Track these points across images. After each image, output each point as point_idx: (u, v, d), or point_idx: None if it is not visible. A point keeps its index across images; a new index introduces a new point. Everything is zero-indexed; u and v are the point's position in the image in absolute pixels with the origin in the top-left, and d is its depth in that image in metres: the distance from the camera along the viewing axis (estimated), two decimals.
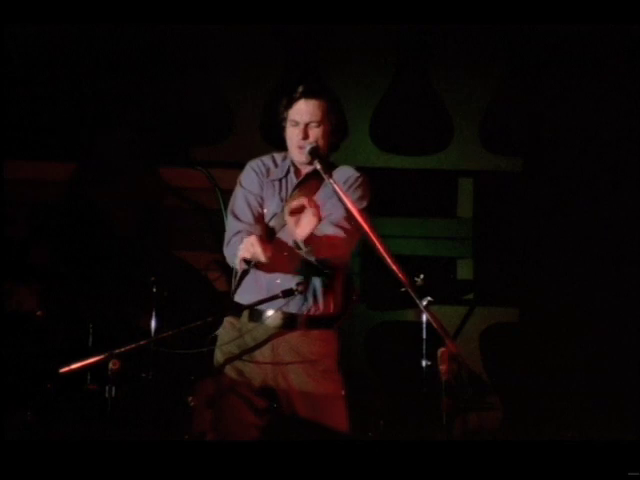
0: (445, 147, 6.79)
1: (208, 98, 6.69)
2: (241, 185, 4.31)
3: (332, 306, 4.26)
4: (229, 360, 4.24)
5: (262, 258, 3.96)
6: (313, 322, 4.23)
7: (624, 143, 6.52)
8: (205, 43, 6.58)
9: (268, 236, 4.18)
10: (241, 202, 4.27)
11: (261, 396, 4.20)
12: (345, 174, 4.31)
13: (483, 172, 6.80)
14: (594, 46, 6.40)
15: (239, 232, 4.18)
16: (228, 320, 4.28)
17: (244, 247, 4.00)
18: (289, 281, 4.17)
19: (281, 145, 4.35)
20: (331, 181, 4.06)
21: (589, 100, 6.51)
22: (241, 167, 4.39)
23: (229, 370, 4.24)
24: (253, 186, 4.27)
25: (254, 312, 4.21)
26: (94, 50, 6.47)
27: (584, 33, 6.27)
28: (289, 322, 4.20)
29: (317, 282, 4.22)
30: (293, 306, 4.19)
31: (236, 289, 4.28)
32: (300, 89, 4.22)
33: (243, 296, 4.25)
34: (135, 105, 6.54)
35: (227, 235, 4.26)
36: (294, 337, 4.21)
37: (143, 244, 6.43)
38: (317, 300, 4.22)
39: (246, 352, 4.22)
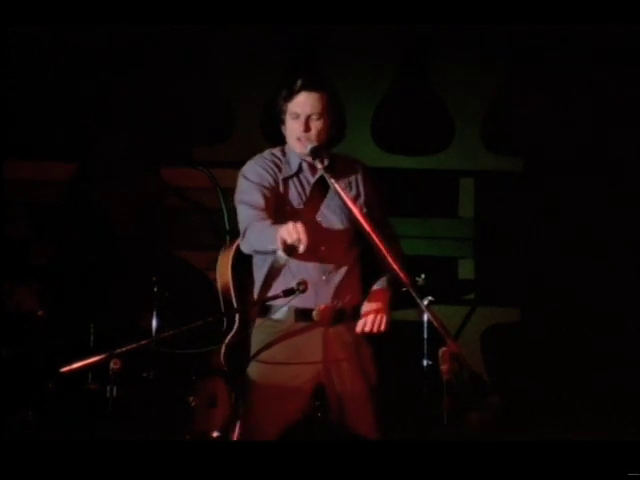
0: (446, 147, 6.80)
1: (209, 98, 6.69)
2: (249, 180, 4.20)
3: (362, 293, 4.27)
4: (274, 364, 4.18)
5: (303, 246, 3.82)
6: (355, 313, 4.22)
7: (625, 143, 6.53)
8: (205, 43, 6.59)
9: None
10: (254, 192, 4.14)
11: (306, 397, 4.18)
12: (351, 168, 4.33)
13: (484, 172, 6.81)
14: (594, 46, 6.40)
15: (259, 218, 4.06)
16: (265, 324, 4.21)
17: (287, 230, 3.83)
18: (334, 276, 4.16)
19: (282, 144, 4.34)
20: (332, 181, 4.07)
21: (590, 100, 6.51)
22: (242, 166, 4.36)
23: (272, 372, 4.18)
24: (264, 181, 4.18)
25: (300, 312, 4.15)
26: (95, 50, 6.47)
27: (584, 33, 6.27)
28: (340, 316, 4.18)
29: (353, 272, 4.22)
30: (339, 299, 4.17)
31: (264, 286, 4.22)
32: (300, 81, 4.18)
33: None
34: (136, 105, 6.55)
35: (243, 224, 4.14)
36: (342, 331, 4.19)
37: (144, 244, 6.43)
38: (355, 290, 4.23)
39: (296, 353, 4.16)
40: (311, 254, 4.09)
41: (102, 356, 3.85)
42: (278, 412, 4.13)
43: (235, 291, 4.30)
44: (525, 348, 6.50)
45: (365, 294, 4.28)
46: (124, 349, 3.89)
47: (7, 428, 4.91)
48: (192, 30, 6.23)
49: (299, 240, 3.81)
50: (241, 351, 4.25)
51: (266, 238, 3.98)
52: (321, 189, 4.21)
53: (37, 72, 6.49)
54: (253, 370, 4.21)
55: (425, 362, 5.31)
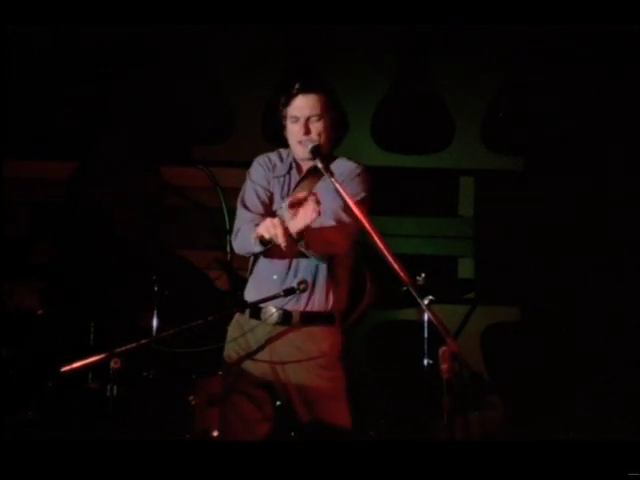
0: (446, 146, 6.80)
1: (209, 97, 6.69)
2: (250, 179, 4.30)
3: (331, 303, 4.24)
4: (235, 357, 4.25)
5: (281, 241, 3.88)
6: (309, 319, 4.21)
7: (625, 142, 6.53)
8: (206, 43, 6.59)
9: None
10: (251, 194, 4.25)
11: (264, 394, 4.21)
12: (343, 167, 4.28)
13: (484, 171, 6.81)
14: (595, 46, 6.40)
15: (251, 221, 4.15)
16: (236, 317, 4.30)
17: (264, 226, 3.92)
18: (287, 278, 4.17)
19: (283, 144, 4.34)
20: (332, 180, 4.06)
21: (590, 99, 6.51)
22: (242, 166, 4.40)
23: (234, 368, 4.25)
24: (261, 180, 4.26)
25: (254, 310, 4.22)
26: (96, 49, 6.47)
27: (584, 33, 6.28)
28: (285, 319, 4.19)
29: (319, 278, 4.21)
30: (290, 303, 4.18)
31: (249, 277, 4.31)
32: (297, 85, 4.20)
33: (247, 293, 4.29)
34: (137, 104, 6.55)
35: (237, 224, 4.25)
36: (292, 334, 4.20)
37: (144, 243, 6.43)
38: (314, 297, 4.21)
39: (248, 350, 4.23)
40: (274, 254, 4.13)
41: (102, 355, 3.86)
42: (235, 410, 4.19)
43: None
44: (525, 347, 6.50)
45: (336, 304, 4.27)
46: (124, 348, 3.90)
47: (7, 428, 4.91)
48: (192, 30, 6.23)
49: (276, 235, 3.87)
50: None
51: (249, 241, 4.05)
52: (304, 190, 4.19)
53: (37, 72, 6.48)
54: (223, 358, 4.30)
55: (425, 361, 5.32)
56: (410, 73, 6.77)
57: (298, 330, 4.21)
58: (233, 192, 4.39)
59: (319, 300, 4.22)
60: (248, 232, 4.10)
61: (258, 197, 4.23)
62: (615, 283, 6.40)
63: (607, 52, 6.42)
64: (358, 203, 3.99)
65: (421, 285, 5.30)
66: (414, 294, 3.87)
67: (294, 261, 4.18)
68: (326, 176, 4.08)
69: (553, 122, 6.59)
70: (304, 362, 4.19)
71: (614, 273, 6.41)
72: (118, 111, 6.55)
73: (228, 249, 5.84)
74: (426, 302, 3.98)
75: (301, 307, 4.20)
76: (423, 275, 5.34)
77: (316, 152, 4.14)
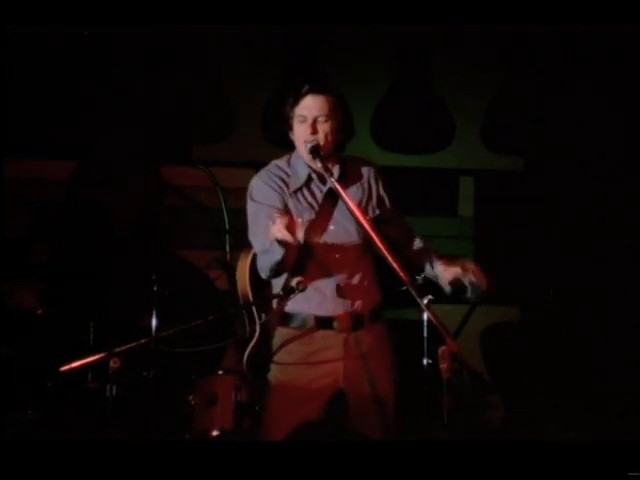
0: (446, 146, 6.80)
1: (209, 97, 6.69)
2: (259, 202, 4.18)
3: (381, 296, 4.28)
4: (295, 369, 4.19)
5: (291, 239, 3.80)
6: (375, 317, 4.24)
7: (625, 142, 6.53)
8: (205, 43, 6.59)
9: (305, 245, 4.04)
10: (263, 220, 4.06)
11: (324, 402, 4.18)
12: (373, 167, 4.35)
13: (484, 171, 6.82)
14: (595, 46, 6.40)
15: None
16: (285, 332, 4.20)
17: (272, 230, 3.83)
18: (351, 282, 4.16)
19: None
20: (332, 180, 4.06)
21: (590, 99, 6.51)
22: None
23: (292, 378, 4.19)
24: (274, 201, 4.15)
25: (320, 319, 4.15)
26: (96, 49, 6.47)
27: (584, 33, 6.27)
28: (359, 322, 4.18)
29: (370, 275, 4.22)
30: (358, 305, 4.17)
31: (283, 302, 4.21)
32: (307, 85, 4.18)
33: (303, 305, 4.17)
34: (136, 104, 6.55)
35: (258, 256, 4.15)
36: (363, 336, 4.19)
37: (144, 243, 6.43)
38: (373, 294, 4.23)
39: (316, 360, 4.17)
40: (326, 261, 4.12)
41: (102, 355, 3.86)
42: (296, 416, 4.14)
43: (254, 297, 4.29)
44: (525, 347, 6.50)
45: (382, 296, 4.28)
46: (124, 348, 3.90)
47: (7, 427, 4.91)
48: (192, 30, 6.22)
49: (287, 235, 3.80)
50: (260, 357, 4.26)
51: (272, 251, 3.98)
52: (334, 196, 4.17)
53: (37, 72, 6.48)
54: (274, 375, 4.22)
55: (425, 361, 5.31)
56: (410, 73, 6.77)
57: (368, 331, 4.21)
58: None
59: (374, 298, 4.24)
60: (271, 246, 4.00)
61: (269, 218, 4.01)
62: (615, 283, 6.40)
63: (607, 52, 6.42)
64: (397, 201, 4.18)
65: (421, 285, 5.29)
66: (414, 294, 3.88)
67: (352, 264, 4.17)
68: (326, 177, 4.08)
69: (553, 122, 6.59)
70: (377, 363, 4.20)
71: (614, 273, 6.41)
72: (118, 111, 6.54)
73: (228, 249, 5.85)
74: (426, 302, 3.98)
75: (369, 307, 4.21)
76: (423, 275, 5.33)
77: (315, 152, 4.13)
